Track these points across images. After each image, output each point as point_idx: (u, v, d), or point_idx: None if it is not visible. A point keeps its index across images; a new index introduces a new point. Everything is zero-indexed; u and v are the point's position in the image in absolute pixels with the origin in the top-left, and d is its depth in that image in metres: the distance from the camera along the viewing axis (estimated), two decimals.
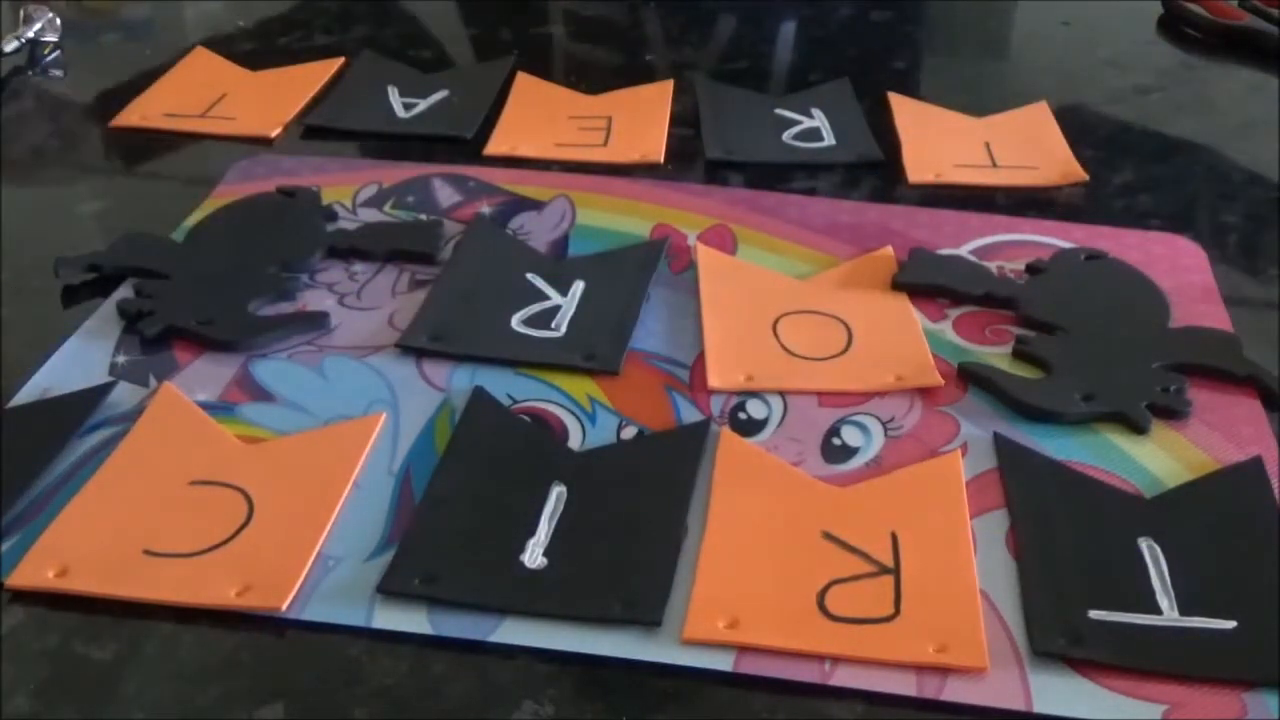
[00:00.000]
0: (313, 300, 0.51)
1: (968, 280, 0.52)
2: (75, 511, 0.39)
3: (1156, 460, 0.43)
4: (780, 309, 0.50)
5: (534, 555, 0.38)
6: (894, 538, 0.39)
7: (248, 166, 0.60)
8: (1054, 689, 0.35)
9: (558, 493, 0.41)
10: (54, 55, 0.73)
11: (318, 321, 0.49)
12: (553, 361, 0.47)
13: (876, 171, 0.62)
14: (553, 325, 0.49)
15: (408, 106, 0.67)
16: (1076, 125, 0.66)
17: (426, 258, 0.53)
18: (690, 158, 0.63)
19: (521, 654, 0.35)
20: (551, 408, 0.45)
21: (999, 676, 0.35)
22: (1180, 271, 0.53)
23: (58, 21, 0.74)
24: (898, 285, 0.52)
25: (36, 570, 0.37)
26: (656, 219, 0.56)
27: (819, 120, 0.66)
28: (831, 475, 0.42)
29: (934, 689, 0.35)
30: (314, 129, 0.65)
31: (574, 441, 0.43)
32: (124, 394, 0.45)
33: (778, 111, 0.67)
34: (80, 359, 0.47)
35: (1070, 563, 0.39)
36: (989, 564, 0.39)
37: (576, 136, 0.64)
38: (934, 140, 0.64)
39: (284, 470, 0.41)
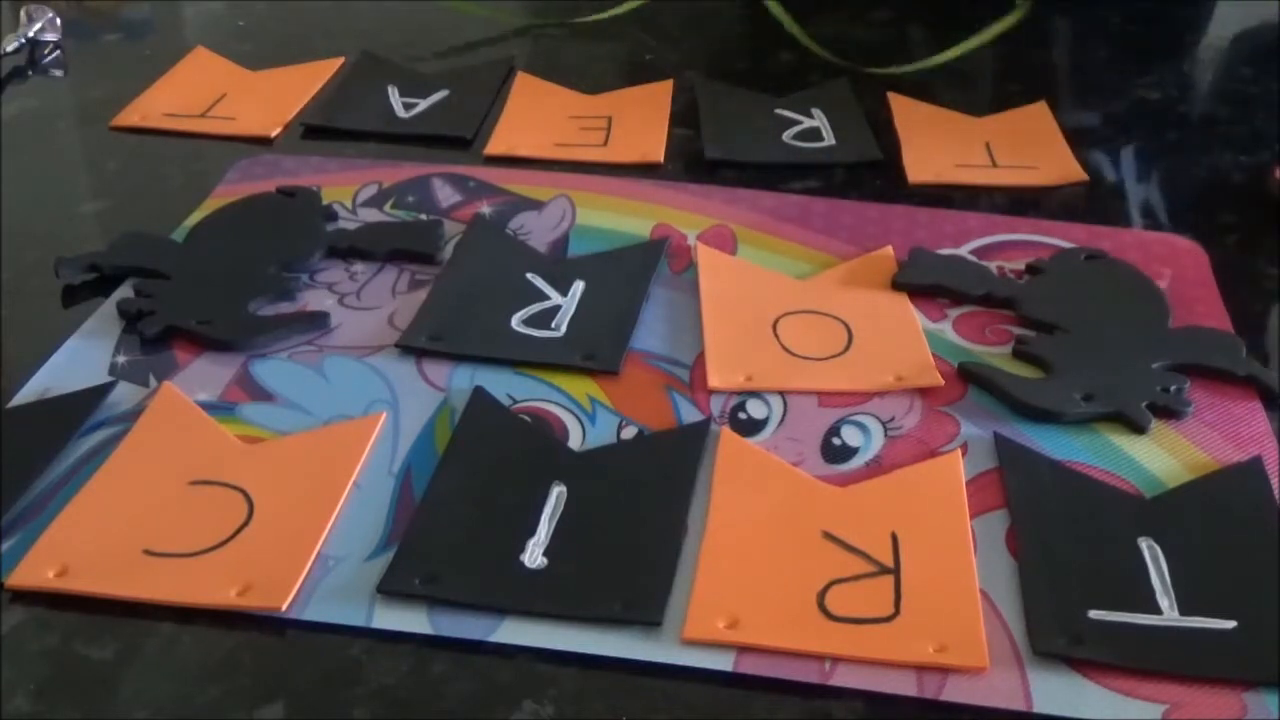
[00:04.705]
0: (313, 300, 0.51)
1: (968, 280, 0.52)
2: (75, 511, 0.39)
3: (1156, 460, 0.43)
4: (780, 309, 0.50)
5: (534, 555, 0.38)
6: (894, 538, 0.39)
7: (248, 166, 0.60)
8: (1054, 689, 0.35)
9: (558, 493, 0.41)
10: (54, 55, 0.73)
11: (318, 321, 0.49)
12: (553, 361, 0.47)
13: (876, 171, 0.62)
14: (553, 325, 0.49)
15: (408, 106, 0.67)
16: (1076, 125, 0.66)
17: (426, 258, 0.53)
18: (690, 158, 0.63)
19: (521, 654, 0.35)
20: (551, 408, 0.45)
21: (999, 676, 0.35)
22: (1180, 271, 0.53)
23: (58, 21, 0.74)
24: (898, 285, 0.52)
25: (36, 570, 0.37)
26: (656, 219, 0.56)
27: (819, 120, 0.66)
28: (831, 475, 0.42)
29: (934, 689, 0.35)
30: (314, 129, 0.65)
31: (574, 441, 0.43)
32: (124, 394, 0.45)
33: (778, 111, 0.67)
34: (80, 359, 0.47)
35: (1070, 563, 0.39)
36: (989, 564, 0.39)
37: (576, 136, 0.64)
38: (934, 140, 0.64)
39: (284, 470, 0.41)
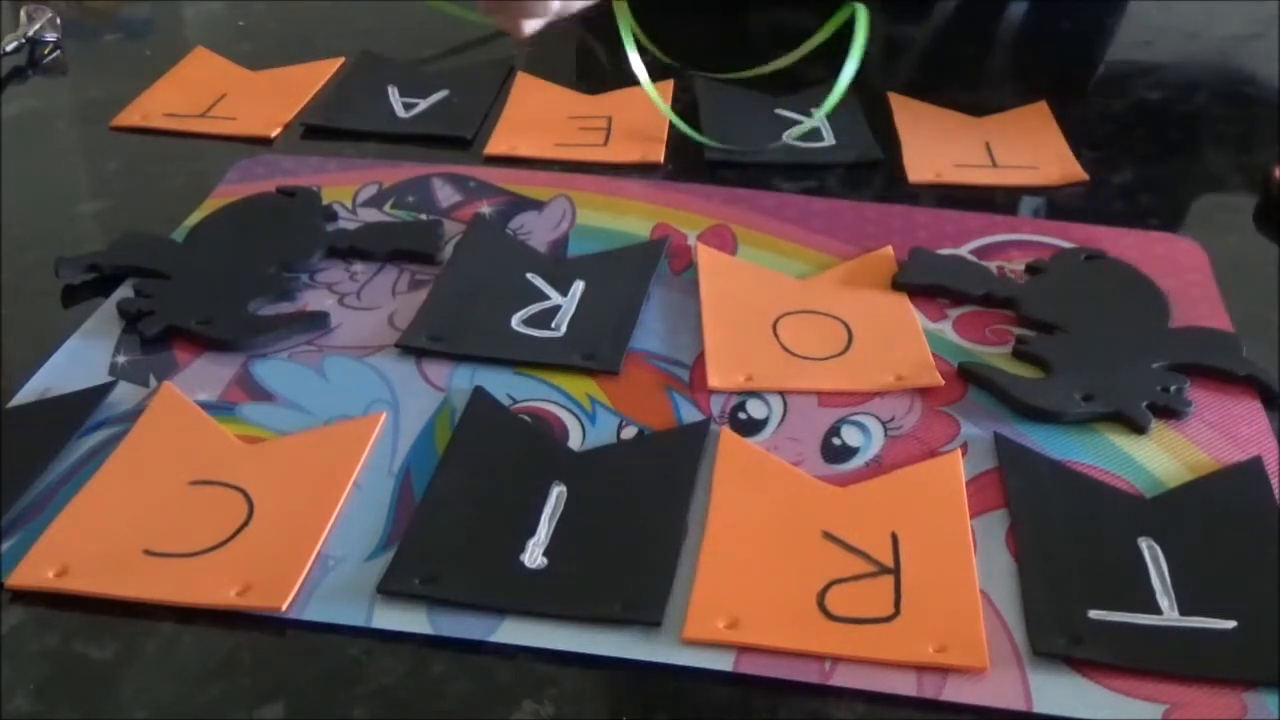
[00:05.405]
0: (313, 300, 0.51)
1: (968, 280, 0.52)
2: (75, 511, 0.39)
3: (1156, 460, 0.43)
4: (780, 309, 0.50)
5: (534, 555, 0.38)
6: (894, 538, 0.39)
7: (248, 166, 0.60)
8: (1054, 689, 0.35)
9: (558, 492, 0.41)
10: (54, 55, 0.73)
11: (318, 321, 0.49)
12: (553, 361, 0.47)
13: (876, 171, 0.62)
14: (553, 325, 0.49)
15: (408, 106, 0.67)
16: (1076, 125, 0.66)
17: (426, 258, 0.53)
18: (690, 158, 0.63)
19: (521, 654, 0.35)
20: (551, 408, 0.45)
21: (999, 676, 0.35)
22: (1180, 271, 0.53)
23: (58, 21, 0.74)
24: (898, 285, 0.52)
25: (36, 570, 0.37)
26: (656, 219, 0.56)
27: (819, 120, 0.66)
28: (831, 475, 0.42)
29: (934, 689, 0.35)
30: (314, 129, 0.65)
31: (574, 441, 0.43)
32: (124, 394, 0.45)
33: (778, 111, 0.67)
34: (80, 359, 0.47)
35: (1070, 563, 0.39)
36: (989, 564, 0.39)
37: (576, 136, 0.64)
38: (934, 140, 0.64)
39: (284, 470, 0.41)
